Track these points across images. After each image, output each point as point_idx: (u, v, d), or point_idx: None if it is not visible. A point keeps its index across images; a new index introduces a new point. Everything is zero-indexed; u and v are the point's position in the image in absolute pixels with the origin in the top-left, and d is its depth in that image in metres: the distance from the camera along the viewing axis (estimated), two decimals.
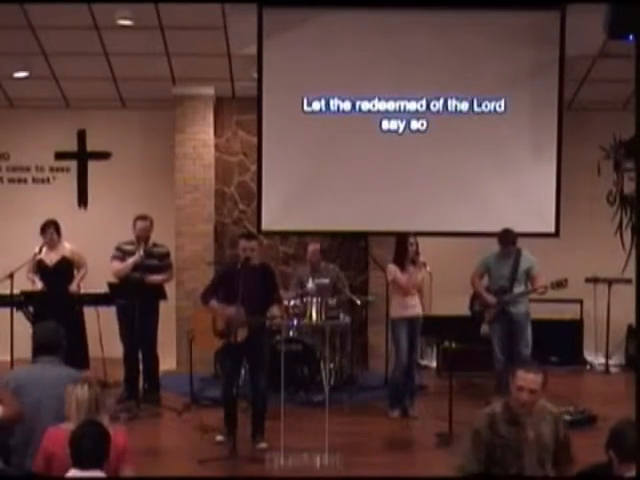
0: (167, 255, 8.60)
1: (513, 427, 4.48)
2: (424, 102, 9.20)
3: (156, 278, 8.34)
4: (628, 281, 8.38)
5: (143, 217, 8.47)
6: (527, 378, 4.52)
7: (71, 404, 4.43)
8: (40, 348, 5.18)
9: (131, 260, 8.30)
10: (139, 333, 8.19)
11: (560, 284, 8.06)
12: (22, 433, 4.88)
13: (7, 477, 4.84)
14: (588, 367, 10.20)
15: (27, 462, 4.81)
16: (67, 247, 8.72)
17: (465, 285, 9.29)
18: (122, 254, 8.37)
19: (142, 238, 8.38)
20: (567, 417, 7.48)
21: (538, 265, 8.23)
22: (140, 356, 8.41)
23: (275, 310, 6.94)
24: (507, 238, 8.23)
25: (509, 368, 8.24)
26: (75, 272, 8.70)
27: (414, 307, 7.97)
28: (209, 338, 7.02)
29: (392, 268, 7.99)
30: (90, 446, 3.97)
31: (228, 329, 6.83)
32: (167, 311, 9.08)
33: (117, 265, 8.34)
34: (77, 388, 4.45)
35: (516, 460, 4.43)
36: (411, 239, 8.00)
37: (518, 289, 8.21)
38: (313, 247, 9.09)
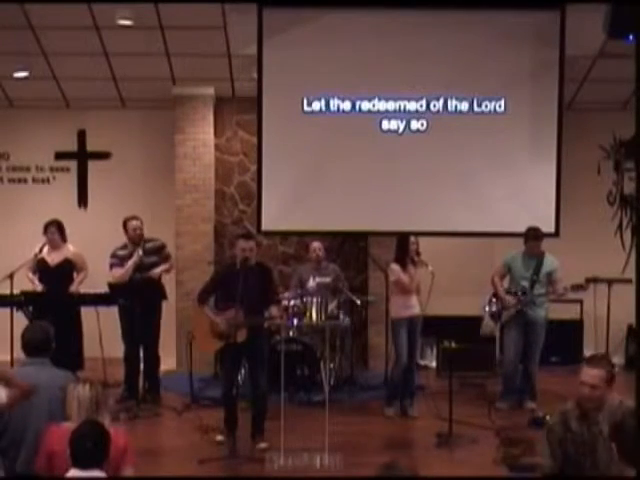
0: (163, 247, 8.61)
1: (584, 423, 4.49)
2: (424, 102, 9.20)
3: (157, 271, 8.37)
4: (628, 281, 8.37)
5: (133, 217, 8.48)
6: (588, 373, 4.56)
7: (72, 404, 4.43)
8: (30, 349, 5.17)
9: (131, 262, 8.31)
10: (140, 333, 8.20)
11: (580, 287, 8.10)
12: (13, 435, 4.87)
13: (6, 478, 4.84)
14: None
15: (18, 464, 4.81)
16: (70, 249, 8.71)
17: (465, 285, 9.29)
18: (119, 260, 8.38)
19: (137, 237, 8.38)
20: None
21: (560, 270, 8.25)
22: (141, 356, 8.42)
23: (274, 310, 6.95)
24: (532, 235, 8.24)
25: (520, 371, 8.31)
26: (75, 275, 8.70)
27: (415, 307, 7.95)
28: (209, 340, 7.02)
29: (396, 269, 7.96)
30: (90, 446, 3.97)
31: (228, 331, 6.83)
32: (167, 311, 9.07)
33: (118, 271, 8.34)
34: (78, 388, 4.46)
35: (589, 456, 4.44)
36: (412, 238, 8.00)
37: (539, 292, 8.22)
38: (316, 244, 9.10)
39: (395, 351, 8.08)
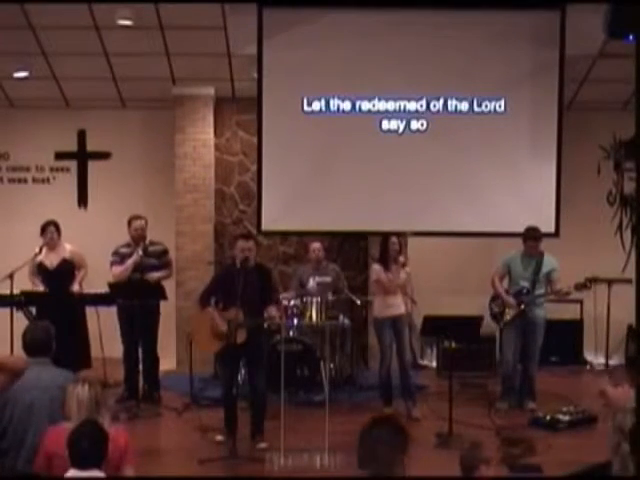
0: (165, 252, 8.63)
1: None
2: (424, 102, 9.20)
3: (155, 275, 8.37)
4: (628, 281, 8.37)
5: (138, 217, 8.51)
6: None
7: (72, 403, 4.42)
8: (31, 349, 5.17)
9: (130, 261, 8.32)
10: (139, 333, 8.20)
11: (584, 286, 8.10)
12: (14, 435, 4.87)
13: (6, 478, 4.84)
14: (588, 367, 10.20)
15: (19, 464, 4.81)
16: (67, 248, 8.71)
17: (465, 284, 9.30)
18: (120, 258, 8.40)
19: (139, 237, 8.40)
20: (567, 417, 7.51)
21: (559, 270, 8.25)
22: (140, 356, 8.42)
23: (273, 311, 6.94)
24: (530, 235, 8.25)
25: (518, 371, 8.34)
26: (75, 273, 8.70)
27: (397, 306, 7.96)
28: (209, 340, 7.02)
29: (377, 268, 8.02)
30: (87, 446, 3.95)
31: (229, 331, 6.83)
32: (167, 311, 9.07)
33: (117, 269, 8.36)
34: (78, 387, 4.45)
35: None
36: (393, 239, 8.01)
37: (539, 292, 8.22)
38: (316, 244, 9.10)
39: (380, 351, 8.12)
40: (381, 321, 8.02)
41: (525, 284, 8.25)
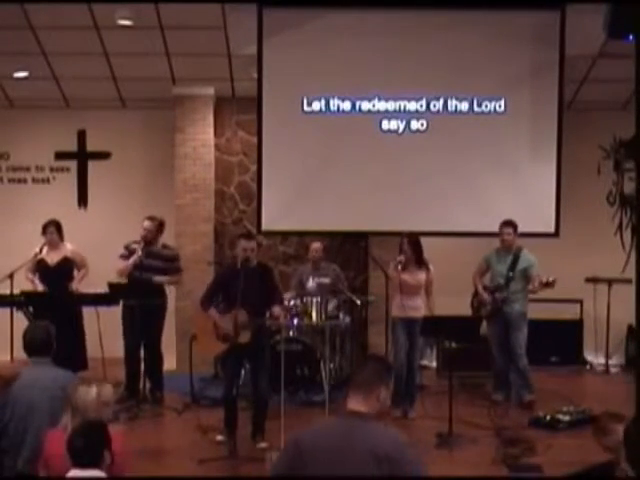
0: (175, 258, 8.62)
1: None
2: (424, 102, 9.21)
3: (159, 279, 8.38)
4: (628, 281, 8.35)
5: (151, 218, 8.51)
6: None
7: (72, 404, 4.41)
8: (32, 349, 5.17)
9: (131, 260, 8.32)
10: (142, 332, 8.21)
11: (548, 284, 8.06)
12: (15, 435, 4.86)
13: (6, 478, 4.84)
14: (588, 367, 10.20)
15: (19, 463, 4.80)
16: (68, 247, 8.72)
17: (465, 285, 9.29)
18: (128, 252, 8.42)
19: (144, 238, 8.39)
20: (567, 417, 7.51)
21: (537, 266, 8.25)
22: (143, 355, 8.41)
23: (276, 310, 6.93)
24: (502, 223, 8.33)
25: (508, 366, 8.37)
26: (75, 272, 8.70)
27: (412, 309, 7.89)
28: (212, 342, 7.00)
29: (391, 265, 8.02)
30: (82, 444, 3.89)
31: (235, 331, 6.81)
32: (167, 311, 9.06)
33: (119, 264, 8.37)
34: (78, 388, 4.44)
35: None
36: (404, 238, 7.96)
37: (514, 288, 8.24)
38: (316, 245, 9.10)
39: (393, 351, 8.14)
40: (395, 321, 8.02)
41: (500, 280, 8.30)
